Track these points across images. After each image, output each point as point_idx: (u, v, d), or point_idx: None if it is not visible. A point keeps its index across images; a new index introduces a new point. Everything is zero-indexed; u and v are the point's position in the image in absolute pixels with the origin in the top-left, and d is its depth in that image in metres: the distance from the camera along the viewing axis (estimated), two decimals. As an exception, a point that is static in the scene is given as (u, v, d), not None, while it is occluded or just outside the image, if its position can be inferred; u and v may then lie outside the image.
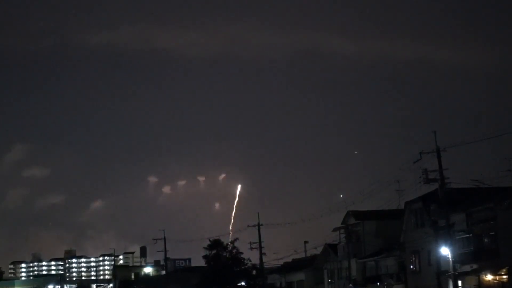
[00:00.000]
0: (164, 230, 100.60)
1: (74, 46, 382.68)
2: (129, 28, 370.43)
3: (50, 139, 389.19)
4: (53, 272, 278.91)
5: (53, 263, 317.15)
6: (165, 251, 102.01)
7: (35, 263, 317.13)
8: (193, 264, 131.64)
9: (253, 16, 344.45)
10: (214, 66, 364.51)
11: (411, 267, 63.58)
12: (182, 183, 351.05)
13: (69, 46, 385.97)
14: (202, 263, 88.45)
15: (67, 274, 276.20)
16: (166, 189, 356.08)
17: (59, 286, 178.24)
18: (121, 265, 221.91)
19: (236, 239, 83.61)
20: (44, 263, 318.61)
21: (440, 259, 53.78)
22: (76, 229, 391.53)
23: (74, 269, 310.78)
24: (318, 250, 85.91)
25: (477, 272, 52.15)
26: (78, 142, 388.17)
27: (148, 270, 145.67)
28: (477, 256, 52.04)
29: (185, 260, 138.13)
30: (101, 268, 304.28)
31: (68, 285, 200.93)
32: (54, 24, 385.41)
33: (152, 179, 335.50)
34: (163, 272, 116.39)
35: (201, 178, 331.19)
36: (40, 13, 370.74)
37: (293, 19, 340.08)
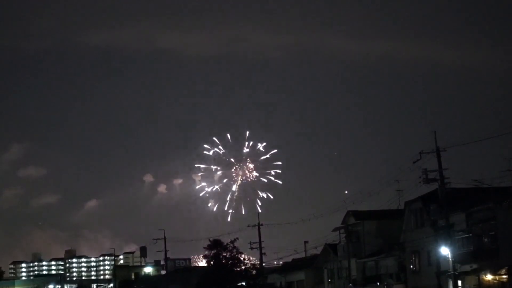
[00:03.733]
0: (164, 230, 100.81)
1: (74, 46, 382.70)
2: (129, 28, 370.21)
3: (46, 138, 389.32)
4: (53, 272, 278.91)
5: (53, 263, 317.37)
6: (165, 251, 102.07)
7: (36, 263, 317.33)
8: (193, 264, 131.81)
9: (254, 16, 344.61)
10: (214, 66, 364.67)
11: (411, 267, 63.60)
12: (178, 182, 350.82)
13: (68, 46, 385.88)
14: (202, 263, 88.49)
15: (67, 274, 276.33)
16: (162, 188, 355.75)
17: (60, 286, 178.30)
18: (121, 265, 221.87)
19: (236, 239, 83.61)
20: (44, 263, 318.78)
21: (440, 259, 53.80)
22: (70, 229, 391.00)
23: (74, 269, 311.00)
24: (318, 250, 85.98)
25: (477, 272, 52.18)
26: (74, 142, 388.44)
27: (148, 270, 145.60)
28: (477, 256, 52.06)
29: (185, 260, 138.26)
30: (101, 268, 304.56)
31: (68, 285, 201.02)
32: (54, 24, 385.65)
33: (148, 178, 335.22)
34: (163, 272, 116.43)
35: (197, 177, 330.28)
36: (40, 13, 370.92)
37: (294, 18, 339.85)
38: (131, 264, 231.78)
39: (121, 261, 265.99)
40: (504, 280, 49.88)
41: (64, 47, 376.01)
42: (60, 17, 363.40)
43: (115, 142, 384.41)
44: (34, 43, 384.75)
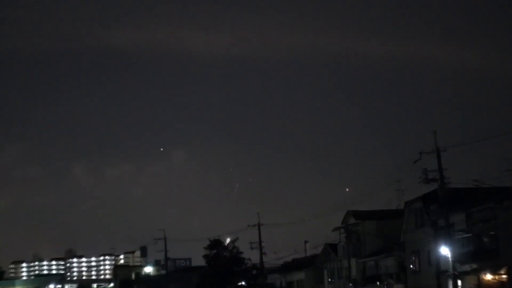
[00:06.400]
0: (164, 230, 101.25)
1: (86, 47, 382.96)
2: (157, 29, 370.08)
3: (43, 138, 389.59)
4: (53, 272, 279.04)
5: (53, 262, 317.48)
6: (166, 250, 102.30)
7: (36, 263, 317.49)
8: (193, 264, 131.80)
9: (280, 18, 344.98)
10: (225, 66, 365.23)
11: (411, 267, 63.61)
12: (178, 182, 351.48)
13: (76, 46, 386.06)
14: (202, 262, 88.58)
15: (68, 274, 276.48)
16: (159, 189, 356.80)
17: (60, 286, 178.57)
18: (121, 265, 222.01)
19: (236, 238, 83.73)
20: (44, 262, 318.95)
21: (440, 259, 53.78)
22: (63, 229, 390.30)
23: (74, 269, 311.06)
24: (318, 250, 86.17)
25: (477, 272, 52.17)
26: (71, 142, 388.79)
27: (148, 269, 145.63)
28: (477, 256, 52.05)
29: (185, 259, 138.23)
30: (101, 267, 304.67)
31: (68, 285, 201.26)
32: (64, 24, 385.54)
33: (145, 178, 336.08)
34: (164, 272, 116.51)
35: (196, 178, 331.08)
36: (53, 14, 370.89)
37: (318, 21, 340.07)
38: (131, 264, 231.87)
39: (122, 261, 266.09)
40: (504, 280, 49.86)
41: (70, 47, 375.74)
42: (71, 18, 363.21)
43: (114, 141, 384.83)
44: (44, 44, 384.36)
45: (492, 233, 51.15)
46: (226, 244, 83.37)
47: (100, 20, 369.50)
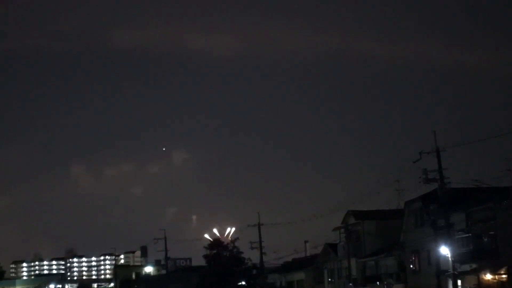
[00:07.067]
0: (164, 230, 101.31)
1: (86, 47, 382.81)
2: (158, 29, 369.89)
3: (45, 138, 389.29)
4: (54, 271, 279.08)
5: (54, 262, 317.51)
6: (166, 250, 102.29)
7: (36, 263, 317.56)
8: (193, 264, 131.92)
9: (281, 18, 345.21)
10: (241, 67, 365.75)
11: (411, 266, 63.65)
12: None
13: (97, 47, 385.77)
14: (202, 262, 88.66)
15: (68, 274, 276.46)
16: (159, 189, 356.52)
17: (60, 286, 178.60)
18: (122, 265, 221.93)
19: (236, 238, 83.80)
20: (45, 262, 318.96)
21: (439, 259, 53.80)
22: (63, 229, 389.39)
23: (75, 269, 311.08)
24: (318, 250, 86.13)
25: (477, 272, 52.22)
26: (74, 142, 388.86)
27: (148, 269, 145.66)
28: (477, 256, 52.10)
29: (185, 259, 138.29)
30: (102, 267, 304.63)
31: (69, 285, 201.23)
32: (64, 24, 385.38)
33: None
34: (164, 272, 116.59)
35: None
36: (67, 14, 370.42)
37: (320, 21, 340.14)
38: (131, 264, 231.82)
39: (122, 261, 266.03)
40: (504, 279, 49.92)
41: (93, 48, 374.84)
42: (87, 18, 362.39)
43: (114, 141, 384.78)
44: (44, 44, 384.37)
45: (492, 233, 51.20)
46: (227, 242, 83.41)
47: (100, 20, 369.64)
